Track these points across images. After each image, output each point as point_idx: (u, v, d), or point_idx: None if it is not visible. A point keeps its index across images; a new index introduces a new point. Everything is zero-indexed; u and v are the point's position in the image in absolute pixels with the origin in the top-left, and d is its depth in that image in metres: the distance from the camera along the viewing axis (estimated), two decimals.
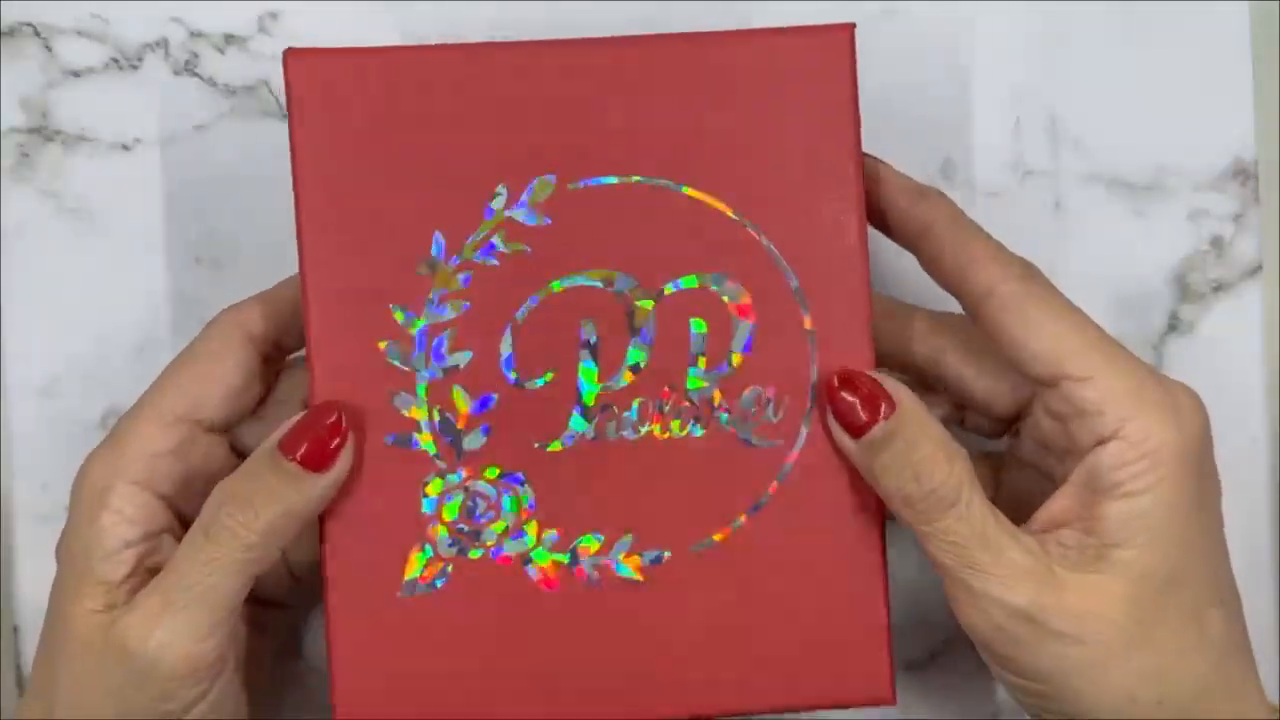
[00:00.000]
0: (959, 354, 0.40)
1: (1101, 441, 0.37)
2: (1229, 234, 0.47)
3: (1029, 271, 0.38)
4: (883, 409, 0.37)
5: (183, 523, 0.39)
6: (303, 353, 0.40)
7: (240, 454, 0.40)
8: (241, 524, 0.36)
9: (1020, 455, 0.41)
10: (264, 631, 0.41)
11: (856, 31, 0.38)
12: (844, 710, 0.45)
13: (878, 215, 0.40)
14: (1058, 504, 0.37)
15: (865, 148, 0.38)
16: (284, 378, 0.41)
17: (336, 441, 0.36)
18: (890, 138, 0.41)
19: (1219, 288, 0.47)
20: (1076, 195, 0.46)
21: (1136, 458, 0.36)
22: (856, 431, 0.37)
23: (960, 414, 0.42)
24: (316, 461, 0.36)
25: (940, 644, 0.46)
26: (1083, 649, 0.36)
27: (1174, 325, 0.47)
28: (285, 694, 0.45)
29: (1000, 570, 0.36)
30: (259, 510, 0.36)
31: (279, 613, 0.42)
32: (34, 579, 0.45)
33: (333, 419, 0.36)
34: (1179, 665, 0.36)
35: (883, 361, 0.40)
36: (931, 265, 0.39)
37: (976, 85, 0.46)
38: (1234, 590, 0.38)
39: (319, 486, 0.36)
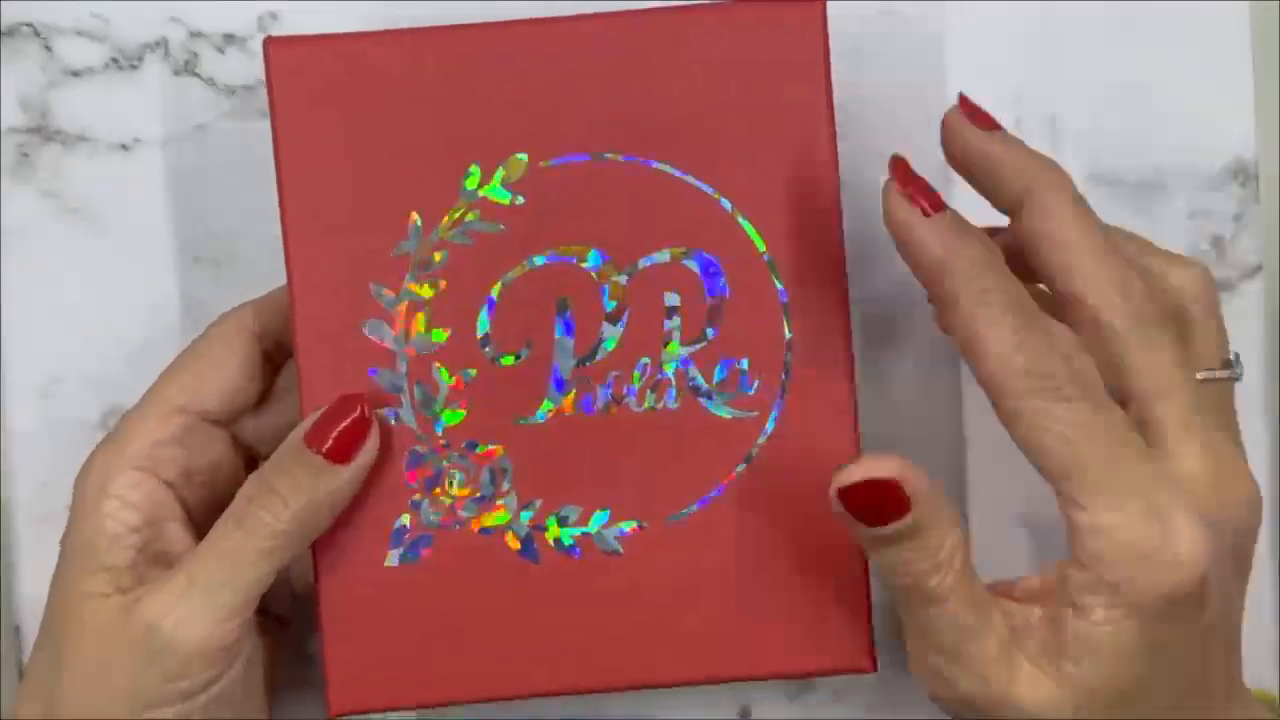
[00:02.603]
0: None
1: (1079, 563, 0.34)
2: (1229, 234, 0.47)
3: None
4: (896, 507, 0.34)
5: (187, 512, 0.40)
6: None
7: (242, 448, 0.41)
8: (271, 514, 0.37)
9: None
10: (267, 637, 0.41)
11: (828, 7, 0.38)
12: (843, 707, 0.45)
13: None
14: (1037, 582, 0.36)
15: (867, 147, 0.38)
16: (285, 373, 0.42)
17: (360, 432, 0.37)
18: (889, 138, 0.41)
19: (1219, 288, 0.47)
20: None
21: (1107, 603, 0.34)
22: (869, 523, 0.35)
23: None
24: (341, 454, 0.37)
25: None
26: None
27: None
28: (288, 698, 0.45)
29: (967, 655, 0.35)
30: (287, 501, 0.37)
31: (283, 629, 0.43)
32: (34, 579, 0.45)
33: (356, 412, 0.37)
34: None
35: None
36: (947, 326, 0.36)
37: (975, 85, 0.46)
38: (1206, 694, 0.36)
39: (343, 477, 0.37)
